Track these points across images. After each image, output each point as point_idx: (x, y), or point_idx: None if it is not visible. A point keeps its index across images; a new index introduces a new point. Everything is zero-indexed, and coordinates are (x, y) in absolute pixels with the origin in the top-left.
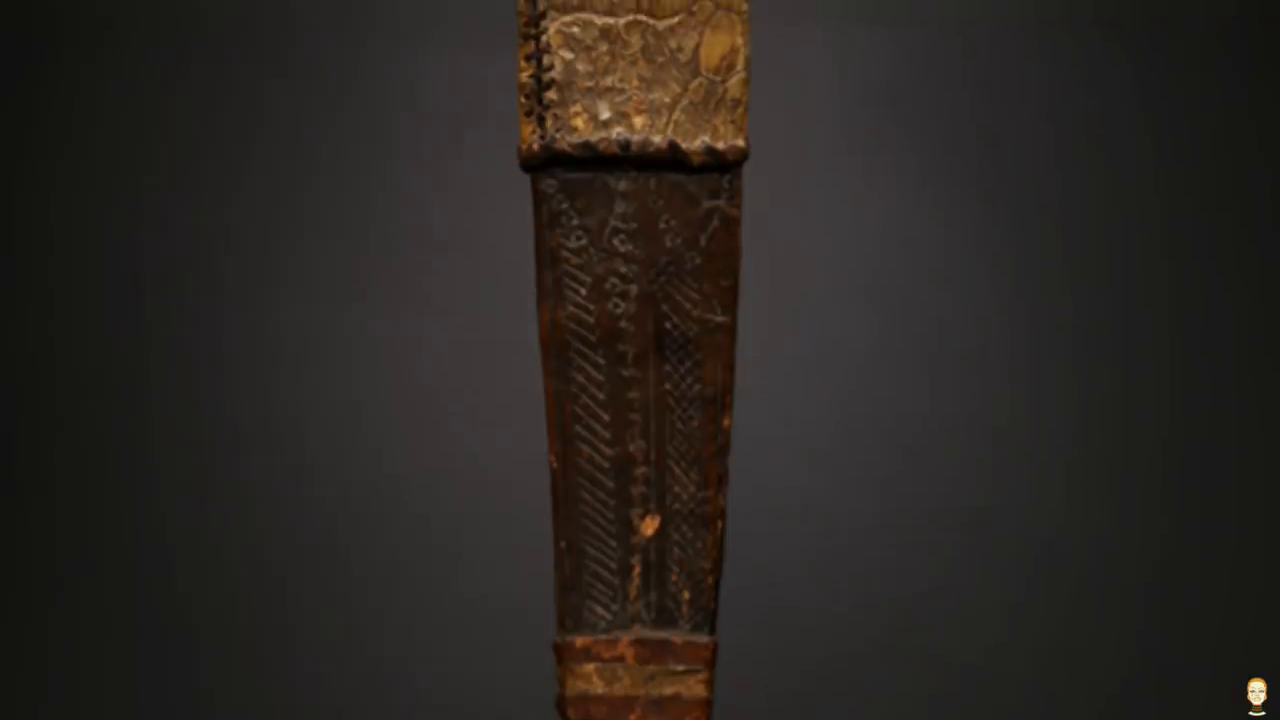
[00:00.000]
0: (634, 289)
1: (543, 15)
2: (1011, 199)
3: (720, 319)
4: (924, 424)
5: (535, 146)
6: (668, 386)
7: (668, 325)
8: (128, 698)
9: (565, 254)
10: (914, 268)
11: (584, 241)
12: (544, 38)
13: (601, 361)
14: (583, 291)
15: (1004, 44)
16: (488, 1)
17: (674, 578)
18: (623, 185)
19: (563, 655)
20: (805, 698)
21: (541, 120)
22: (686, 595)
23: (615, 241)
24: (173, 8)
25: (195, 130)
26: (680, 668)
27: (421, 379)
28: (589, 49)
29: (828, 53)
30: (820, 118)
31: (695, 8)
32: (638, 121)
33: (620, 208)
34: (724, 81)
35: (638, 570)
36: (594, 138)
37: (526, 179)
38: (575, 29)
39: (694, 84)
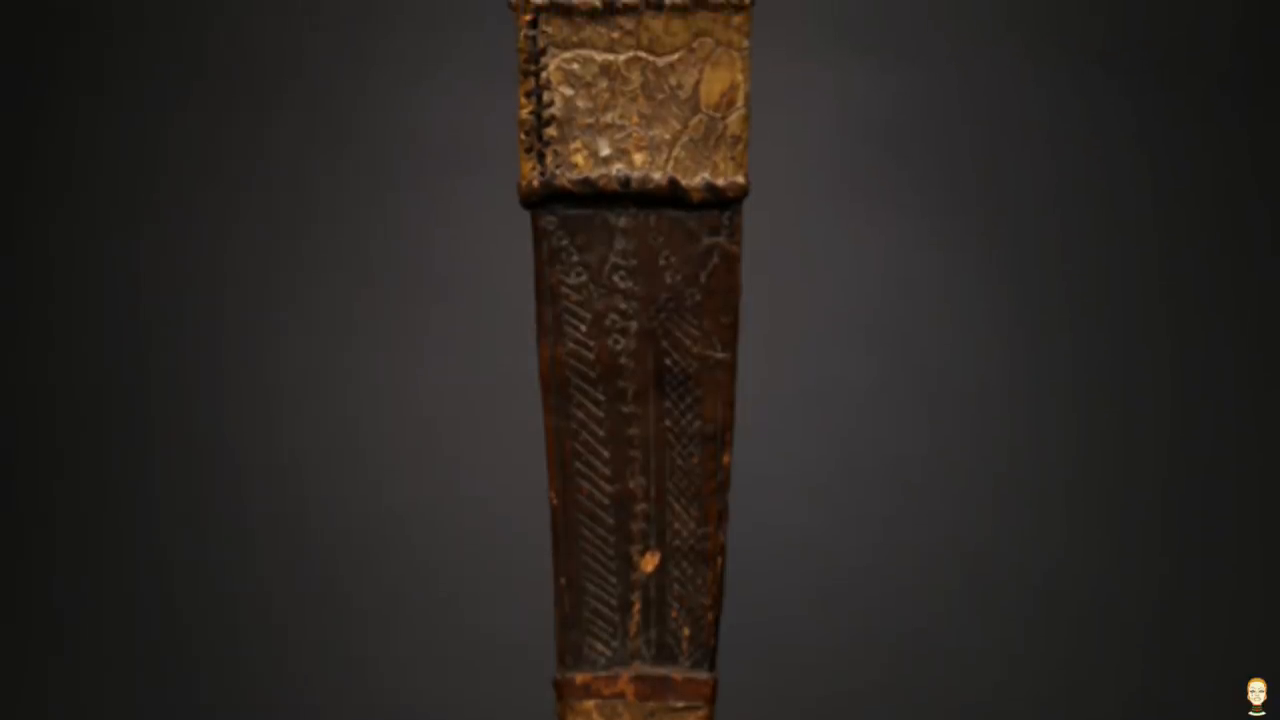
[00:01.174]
0: (634, 325)
1: (543, 52)
2: (1011, 237)
3: (720, 355)
4: (924, 462)
5: (535, 183)
6: (668, 423)
7: (668, 362)
8: None
9: (565, 290)
10: (914, 305)
11: (584, 278)
12: (544, 74)
13: (601, 398)
14: (583, 328)
15: (1003, 82)
16: (488, 37)
17: (674, 614)
18: (623, 222)
19: (562, 692)
20: None
21: (541, 157)
22: (686, 632)
23: (615, 278)
24: (175, 42)
25: (196, 165)
26: (680, 704)
27: (421, 414)
28: (589, 85)
29: (828, 89)
30: (820, 154)
31: (695, 44)
32: (638, 158)
33: (620, 244)
34: (724, 118)
35: (638, 607)
36: (594, 174)
37: (526, 215)
38: (575, 65)
39: (694, 121)
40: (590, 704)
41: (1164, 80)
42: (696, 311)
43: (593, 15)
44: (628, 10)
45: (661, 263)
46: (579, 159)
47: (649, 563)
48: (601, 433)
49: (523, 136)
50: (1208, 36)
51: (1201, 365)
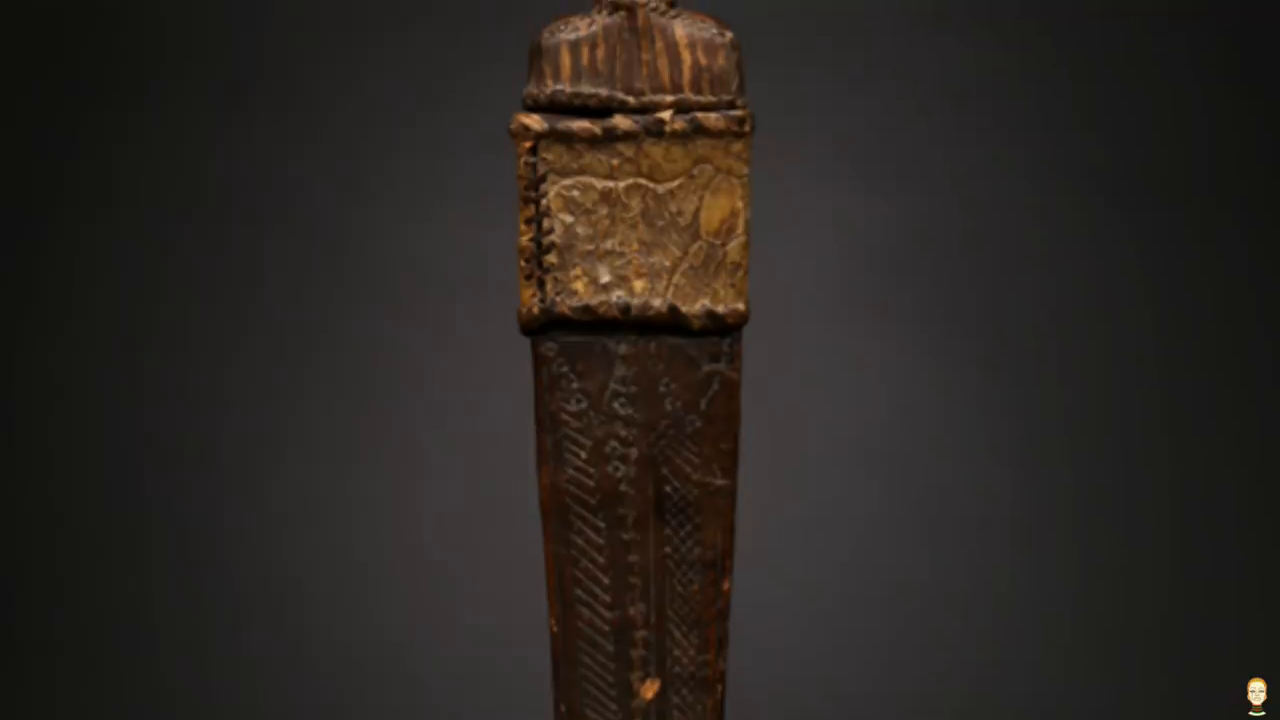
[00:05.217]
0: (634, 452)
1: (543, 178)
2: (1012, 363)
3: (720, 482)
4: (924, 588)
5: (535, 310)
6: (668, 550)
7: (668, 489)
8: None
9: (565, 417)
10: (914, 431)
11: (584, 405)
12: (544, 201)
13: (601, 525)
14: (583, 454)
15: (1004, 211)
16: (488, 164)
17: None
18: (623, 349)
19: None
20: None
21: (541, 283)
22: None
23: (615, 405)
24: (175, 168)
25: (195, 292)
26: None
27: (421, 541)
28: (589, 212)
29: (828, 215)
30: (820, 280)
31: (696, 171)
32: (638, 285)
33: (620, 371)
34: (724, 245)
35: None
36: (594, 301)
37: (526, 341)
38: (575, 192)
39: (694, 248)
40: None
41: (1167, 212)
42: (696, 438)
43: (593, 142)
44: (628, 137)
45: (661, 389)
46: (579, 286)
47: (649, 690)
48: (601, 559)
49: (523, 263)
50: (1208, 159)
51: (1202, 494)
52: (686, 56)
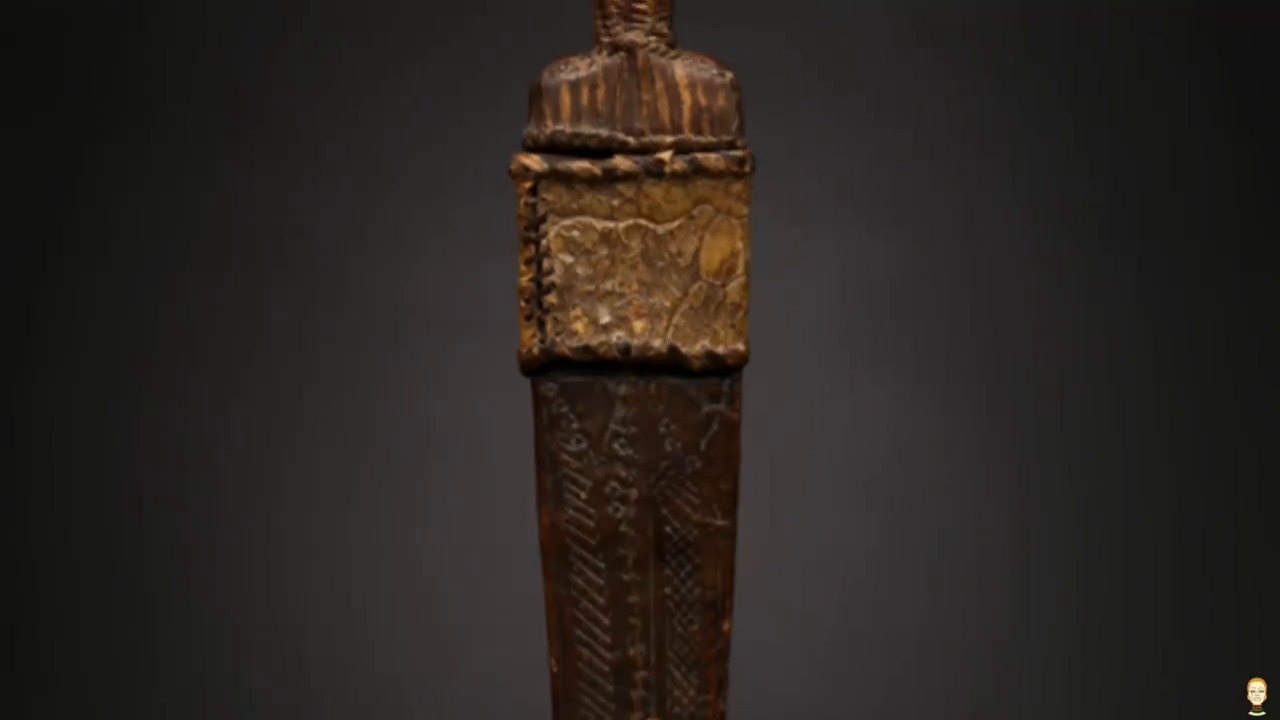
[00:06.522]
0: (634, 493)
1: (543, 219)
2: (1011, 404)
3: (720, 523)
4: (923, 629)
5: (535, 350)
6: (668, 590)
7: (668, 529)
8: None
9: (565, 457)
10: (914, 472)
11: (584, 445)
12: (544, 241)
13: (601, 565)
14: (583, 495)
15: (1003, 252)
16: (488, 205)
17: None
18: (623, 389)
19: None
20: None
21: (541, 324)
22: None
23: (615, 445)
24: (174, 211)
25: (196, 332)
26: None
27: (422, 580)
28: (589, 253)
29: (828, 256)
30: (820, 321)
31: (696, 212)
32: (638, 326)
33: (620, 412)
34: (724, 286)
35: None
36: (594, 342)
37: (526, 382)
38: (575, 233)
39: (694, 288)
40: None
41: (1166, 248)
42: (696, 479)
43: (593, 183)
44: (628, 178)
45: (661, 430)
46: (579, 326)
47: None
48: (601, 600)
49: (523, 304)
50: (1207, 201)
51: (1202, 537)
52: (686, 97)
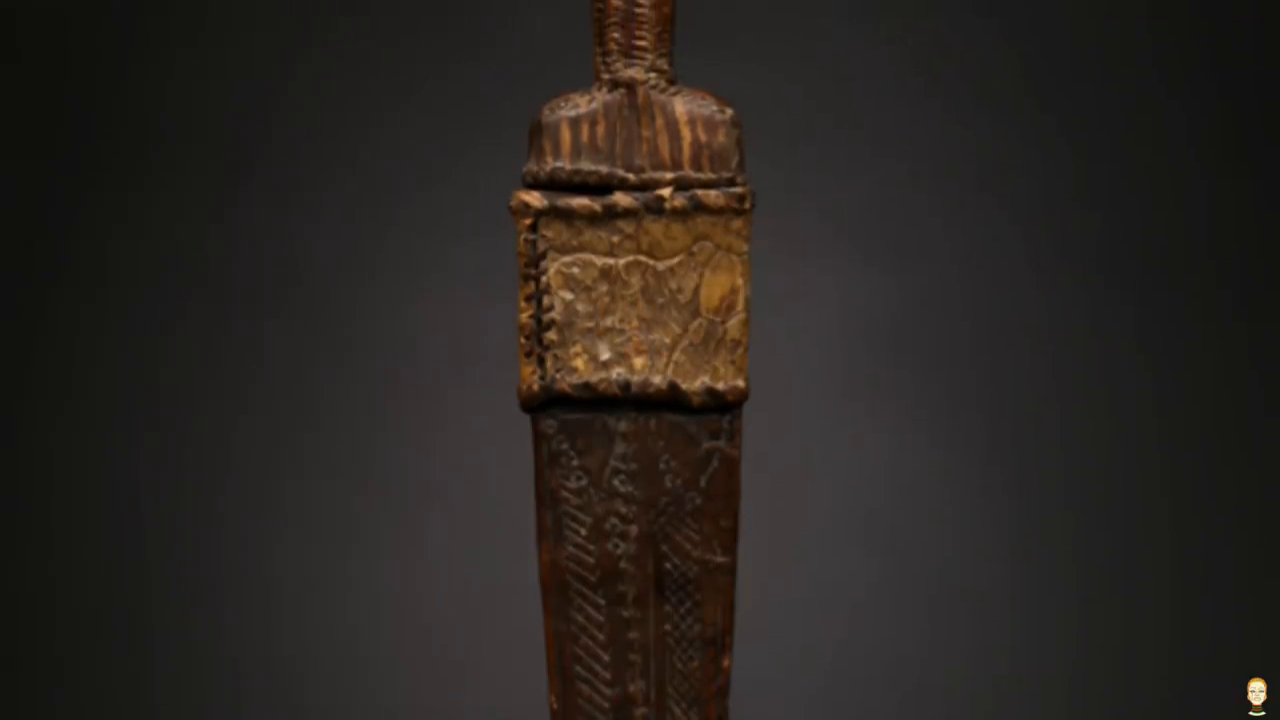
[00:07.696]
0: (634, 529)
1: (543, 256)
2: (1011, 440)
3: (720, 559)
4: (924, 665)
5: (535, 387)
6: (668, 627)
7: (668, 566)
8: None
9: (565, 494)
10: (914, 508)
11: (584, 482)
12: (544, 278)
13: (601, 602)
14: (583, 532)
15: (1004, 287)
16: (488, 242)
17: None
18: (623, 426)
19: None
20: None
21: (541, 361)
22: None
23: (615, 482)
24: (173, 249)
25: (196, 371)
26: None
27: (422, 618)
28: (589, 289)
29: (828, 292)
30: (820, 357)
31: (696, 248)
32: (638, 362)
33: (620, 448)
34: (724, 322)
35: None
36: (594, 378)
37: (526, 418)
38: (575, 269)
39: (694, 325)
40: None
41: (1165, 284)
42: (696, 515)
43: (593, 219)
44: (628, 214)
45: (661, 467)
46: (579, 363)
47: None
48: (601, 636)
49: (522, 340)
50: (1208, 236)
51: (1203, 571)
52: (686, 133)
